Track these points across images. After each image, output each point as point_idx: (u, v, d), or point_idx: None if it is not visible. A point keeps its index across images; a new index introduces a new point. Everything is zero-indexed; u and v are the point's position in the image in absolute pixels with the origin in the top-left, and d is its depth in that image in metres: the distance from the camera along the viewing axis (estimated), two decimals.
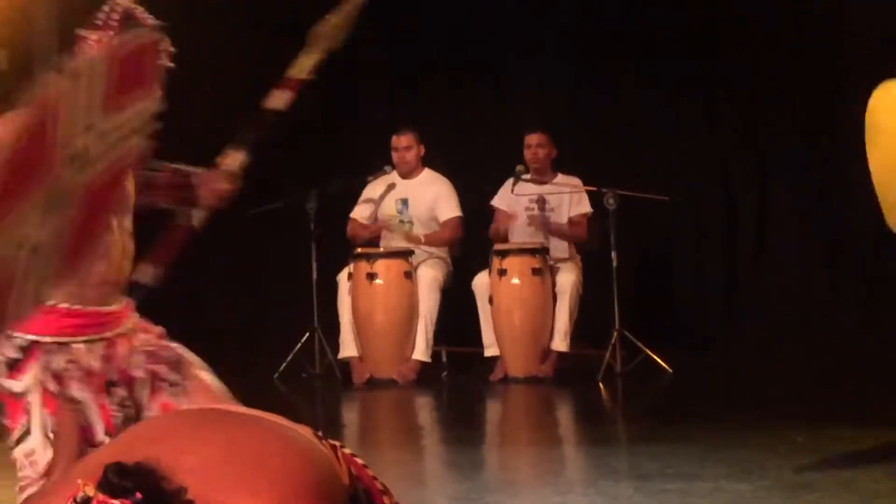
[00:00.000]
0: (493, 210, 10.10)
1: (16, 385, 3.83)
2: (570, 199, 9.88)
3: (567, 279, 9.67)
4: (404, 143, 9.95)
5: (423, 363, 9.76)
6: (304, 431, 2.44)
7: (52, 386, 3.81)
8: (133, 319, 4.12)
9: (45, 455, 3.75)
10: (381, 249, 9.92)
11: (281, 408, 2.54)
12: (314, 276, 9.94)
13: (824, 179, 10.63)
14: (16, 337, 3.82)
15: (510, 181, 9.89)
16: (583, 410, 8.94)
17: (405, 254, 9.83)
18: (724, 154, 10.91)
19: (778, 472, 6.26)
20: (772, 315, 10.65)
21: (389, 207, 10.03)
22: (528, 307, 9.62)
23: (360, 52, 10.82)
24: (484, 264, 9.78)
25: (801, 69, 10.42)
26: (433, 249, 9.97)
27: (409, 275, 9.77)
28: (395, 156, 10.00)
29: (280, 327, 10.12)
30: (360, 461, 2.58)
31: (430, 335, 9.78)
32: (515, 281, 9.62)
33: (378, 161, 10.04)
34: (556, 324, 9.63)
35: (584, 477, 6.81)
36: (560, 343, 9.64)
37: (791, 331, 10.44)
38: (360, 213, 10.13)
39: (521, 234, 9.97)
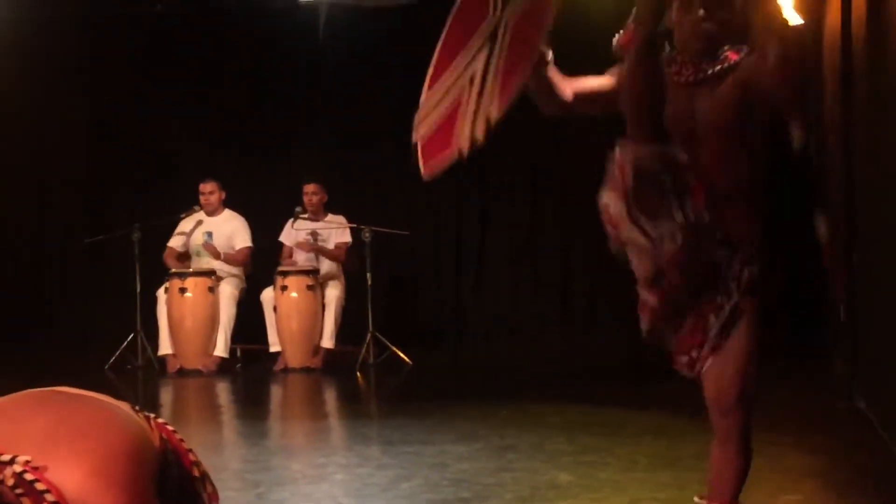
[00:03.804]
0: (280, 243, 10.04)
1: None
2: (336, 232, 9.87)
3: (333, 293, 9.67)
4: (209, 189, 9.87)
5: (222, 357, 9.64)
6: (123, 405, 2.38)
7: None
8: None
9: None
10: (191, 270, 9.78)
11: (109, 391, 2.46)
12: (138, 290, 9.74)
13: (533, 224, 10.74)
14: None
15: (291, 219, 9.87)
16: (344, 393, 8.95)
17: (209, 273, 9.70)
18: (457, 198, 10.84)
19: (488, 438, 6.38)
20: (488, 323, 10.71)
21: (198, 238, 9.90)
22: (303, 314, 9.56)
23: (174, 114, 10.69)
24: (270, 281, 9.71)
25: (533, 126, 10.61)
26: (231, 269, 9.87)
27: (213, 290, 9.64)
28: (202, 198, 9.89)
29: (110, 330, 9.80)
30: (170, 428, 2.51)
31: (228, 336, 9.69)
32: (294, 294, 9.55)
33: (189, 202, 9.94)
34: (324, 327, 9.60)
35: (345, 443, 6.83)
36: (327, 341, 9.62)
37: (502, 335, 10.58)
38: (174, 242, 9.98)
39: (299, 258, 9.94)
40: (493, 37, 3.25)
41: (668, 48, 3.54)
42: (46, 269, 11.13)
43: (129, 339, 9.63)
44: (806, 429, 6.41)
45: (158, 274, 9.76)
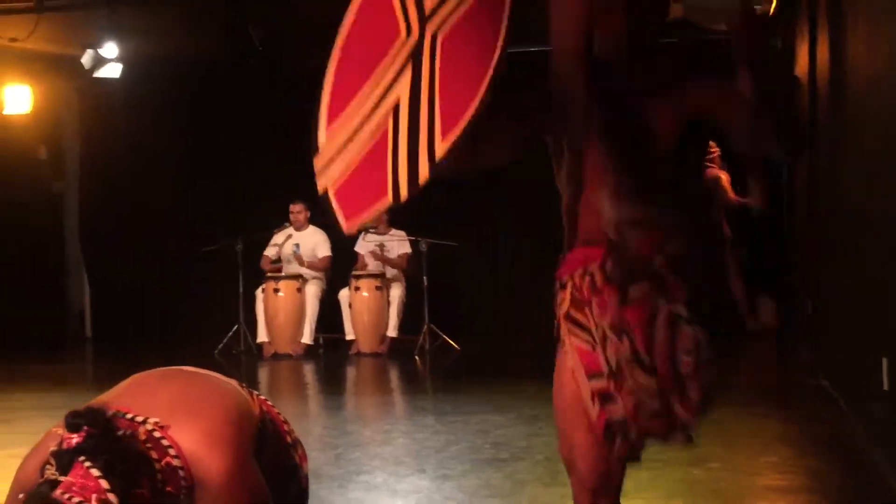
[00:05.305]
0: (355, 253, 10.11)
1: None
2: (398, 244, 9.88)
3: (396, 293, 9.68)
4: (297, 209, 9.90)
5: (308, 344, 9.69)
6: (232, 381, 2.45)
7: None
8: None
9: None
10: (283, 274, 9.86)
11: (218, 370, 2.51)
12: (240, 290, 9.85)
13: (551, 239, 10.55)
14: None
15: (363, 233, 9.90)
16: (405, 373, 8.96)
17: (298, 277, 9.76)
18: (495, 215, 10.75)
19: (519, 409, 6.37)
20: (520, 316, 10.47)
21: (288, 248, 9.97)
22: (372, 310, 9.60)
23: (269, 149, 10.78)
24: (346, 284, 9.79)
25: None
26: (315, 273, 9.93)
27: (300, 290, 9.70)
28: (291, 216, 9.95)
29: (219, 322, 9.86)
30: (268, 402, 2.58)
31: (313, 326, 9.72)
32: (365, 294, 9.61)
33: (281, 220, 10.03)
34: (389, 320, 9.60)
35: (405, 413, 6.84)
36: (392, 331, 9.63)
37: (531, 326, 10.15)
38: (269, 252, 10.05)
39: (369, 264, 10.00)
40: (414, 57, 2.19)
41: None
42: (169, 274, 11.25)
43: (233, 329, 9.69)
44: (780, 403, 6.40)
45: (256, 277, 9.84)
